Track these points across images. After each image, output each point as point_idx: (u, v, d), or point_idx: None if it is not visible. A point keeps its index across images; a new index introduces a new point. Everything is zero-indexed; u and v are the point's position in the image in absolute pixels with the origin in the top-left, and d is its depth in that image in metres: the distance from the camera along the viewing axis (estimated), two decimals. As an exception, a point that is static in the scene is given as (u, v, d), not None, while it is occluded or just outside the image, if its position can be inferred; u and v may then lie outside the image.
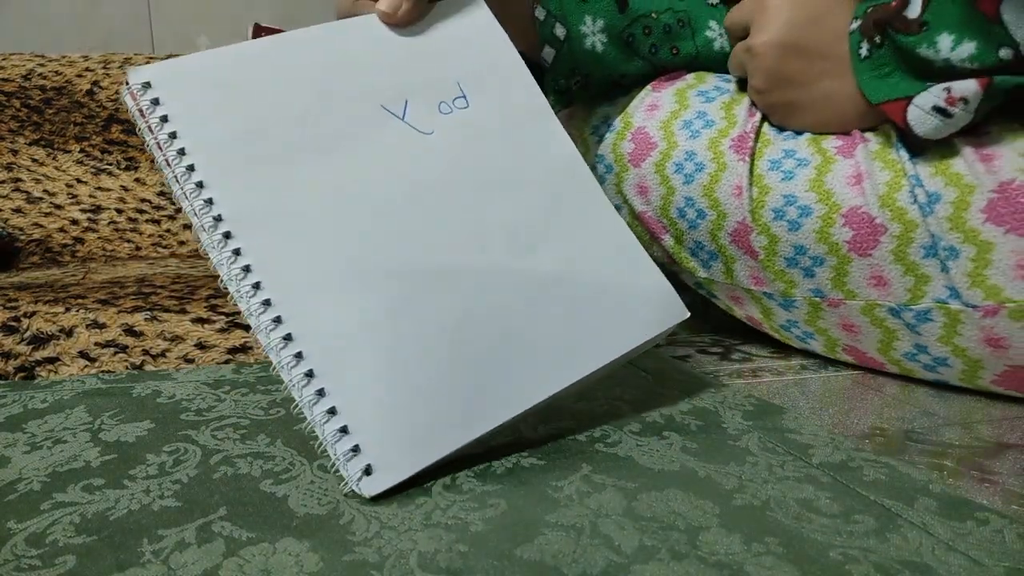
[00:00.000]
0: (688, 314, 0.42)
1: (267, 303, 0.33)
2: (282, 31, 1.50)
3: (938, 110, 0.43)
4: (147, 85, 0.35)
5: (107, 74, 1.38)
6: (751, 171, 0.51)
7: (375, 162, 0.38)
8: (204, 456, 0.35)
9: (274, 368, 0.33)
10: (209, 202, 0.34)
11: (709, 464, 0.35)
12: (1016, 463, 0.36)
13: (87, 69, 1.38)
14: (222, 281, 0.34)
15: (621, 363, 0.40)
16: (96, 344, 0.52)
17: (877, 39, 0.46)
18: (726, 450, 0.36)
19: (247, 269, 0.33)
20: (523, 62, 0.45)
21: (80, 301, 0.57)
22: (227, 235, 0.34)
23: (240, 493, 0.31)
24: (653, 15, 0.58)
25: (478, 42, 0.44)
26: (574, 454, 0.36)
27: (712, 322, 0.66)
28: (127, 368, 0.51)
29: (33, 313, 0.54)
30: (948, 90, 0.43)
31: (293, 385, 0.32)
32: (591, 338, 0.38)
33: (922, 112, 0.44)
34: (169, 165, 0.34)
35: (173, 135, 0.35)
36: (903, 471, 0.34)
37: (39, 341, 0.51)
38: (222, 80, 0.37)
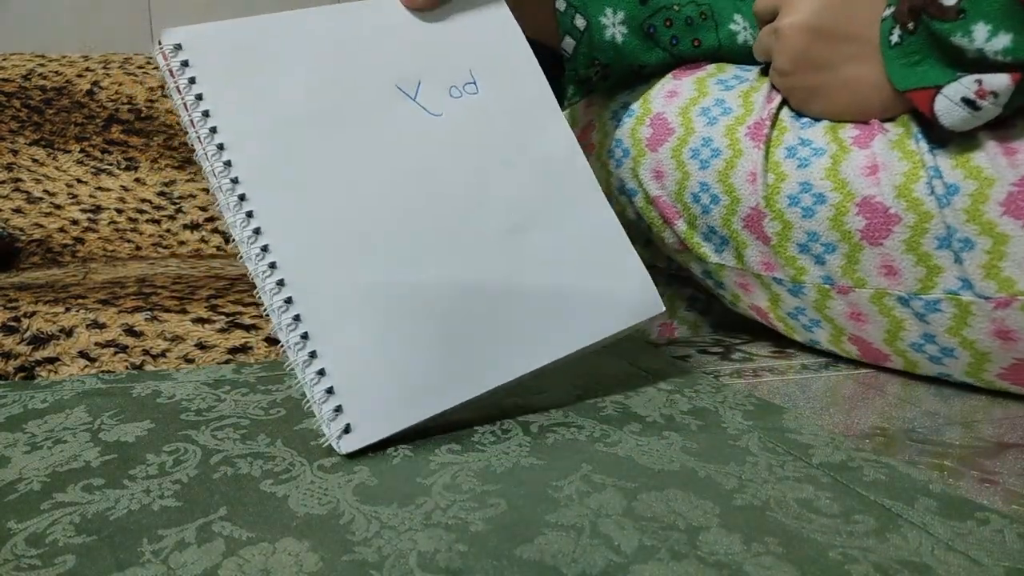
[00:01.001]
0: (664, 309, 0.43)
1: (273, 266, 0.35)
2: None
3: (967, 102, 0.43)
4: (178, 47, 0.37)
5: (107, 74, 1.38)
6: (766, 157, 0.52)
7: (384, 138, 0.40)
8: (204, 456, 0.35)
9: (274, 330, 0.35)
10: (228, 164, 0.36)
11: (709, 464, 0.35)
12: (1016, 463, 0.36)
13: (87, 69, 1.38)
14: (233, 241, 0.36)
15: (595, 349, 0.42)
16: (96, 344, 0.52)
17: (910, 26, 0.45)
18: (726, 450, 0.36)
19: (257, 232, 0.35)
20: (535, 58, 0.46)
21: (80, 301, 0.57)
22: (242, 197, 0.35)
23: (240, 493, 0.31)
24: (675, 7, 0.59)
25: (493, 34, 0.46)
26: (574, 454, 0.36)
27: (714, 317, 0.66)
28: (127, 368, 0.51)
29: (33, 313, 0.54)
30: (979, 82, 0.43)
31: (289, 346, 0.35)
32: (569, 323, 0.40)
33: (950, 103, 0.44)
34: (194, 126, 0.36)
35: (200, 97, 0.36)
36: (903, 471, 0.34)
37: (39, 341, 0.51)
38: (250, 48, 0.38)
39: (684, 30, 0.59)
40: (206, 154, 0.36)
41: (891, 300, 0.48)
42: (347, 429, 0.35)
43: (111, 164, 1.30)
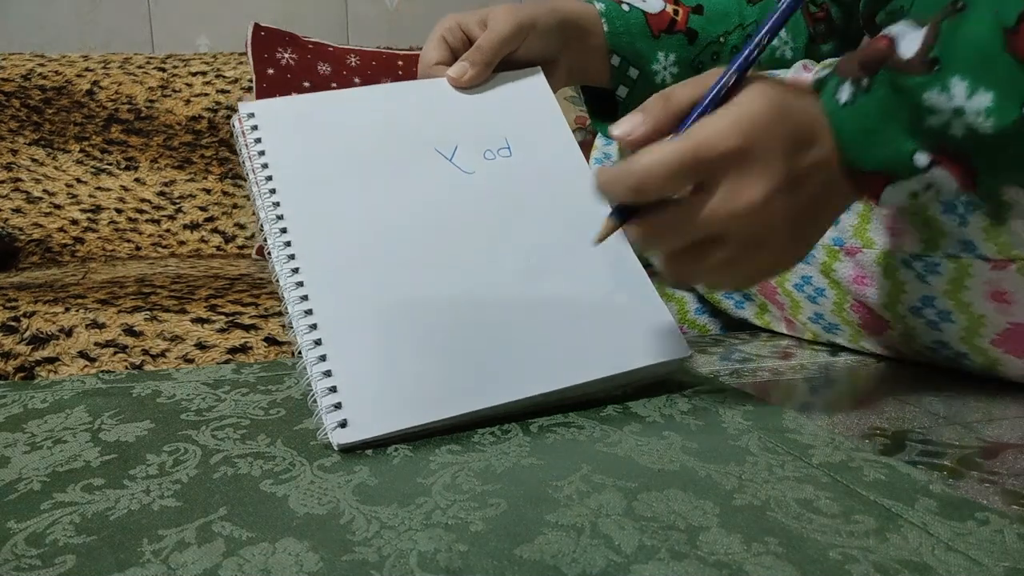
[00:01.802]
0: (690, 352, 0.44)
1: (300, 284, 0.40)
2: (281, 31, 1.49)
3: (913, 194, 0.37)
4: (251, 115, 0.45)
5: (107, 74, 1.38)
6: None
7: (416, 189, 0.45)
8: (204, 456, 0.35)
9: (290, 327, 0.40)
10: (276, 204, 0.43)
11: (709, 464, 0.35)
12: (1016, 463, 0.36)
13: (87, 69, 1.38)
14: (271, 260, 0.42)
15: (616, 385, 0.43)
16: (96, 344, 0.52)
17: (864, 82, 0.36)
18: (726, 450, 0.36)
19: (292, 257, 0.41)
20: (567, 124, 0.50)
21: (80, 301, 0.57)
22: (283, 230, 0.42)
23: (240, 493, 0.31)
24: (721, 39, 0.62)
25: (529, 104, 0.51)
26: (574, 454, 0.36)
27: (721, 320, 0.66)
28: (127, 368, 0.51)
29: (33, 313, 0.54)
30: (930, 186, 0.37)
31: (303, 348, 0.39)
32: (582, 355, 0.42)
33: (898, 193, 0.37)
34: (254, 173, 0.44)
35: (262, 152, 0.44)
36: (903, 471, 0.34)
37: (39, 341, 0.51)
38: (308, 115, 0.46)
39: (730, 58, 0.62)
40: (259, 193, 0.43)
41: (895, 261, 0.49)
42: (343, 424, 0.37)
43: (111, 164, 1.30)
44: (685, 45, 0.61)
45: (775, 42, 0.65)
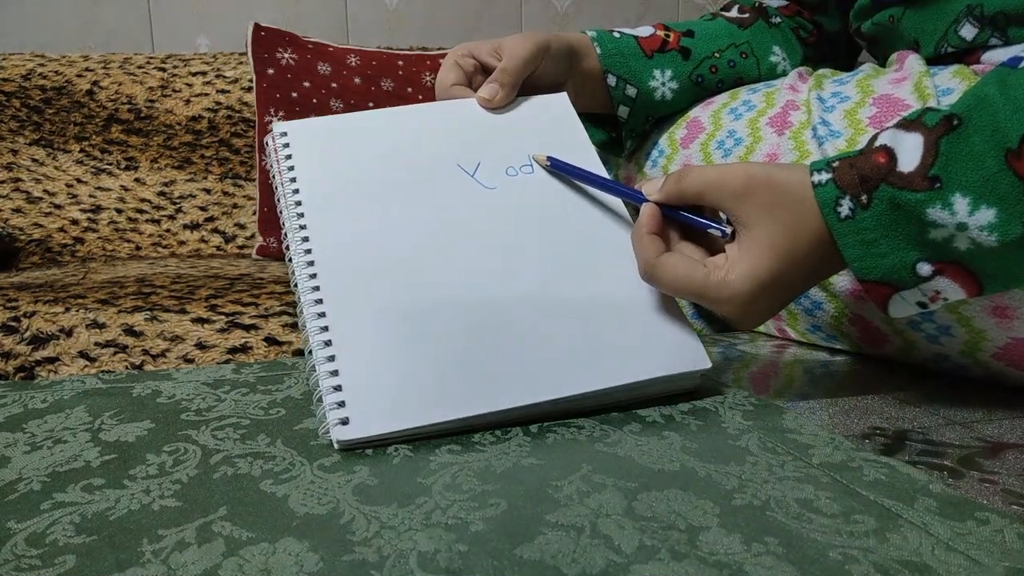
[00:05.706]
0: (710, 364, 0.43)
1: (316, 288, 0.42)
2: (281, 31, 1.49)
3: (920, 304, 0.39)
4: (284, 134, 0.48)
5: (107, 74, 1.38)
6: (792, 139, 0.54)
7: (437, 203, 0.46)
8: (204, 456, 0.35)
9: (303, 327, 0.41)
10: (300, 215, 0.45)
11: (709, 464, 0.35)
12: (1016, 463, 0.36)
13: (87, 69, 1.38)
14: (290, 264, 0.44)
15: (631, 396, 0.42)
16: (96, 344, 0.52)
17: (864, 198, 0.37)
18: (726, 450, 0.36)
19: (311, 263, 0.43)
20: (591, 143, 0.52)
21: (80, 301, 0.57)
22: (305, 239, 0.43)
23: (240, 493, 0.31)
24: (716, 54, 0.64)
25: (555, 127, 0.52)
26: (574, 454, 0.36)
27: (719, 324, 0.66)
28: (127, 368, 0.51)
29: (33, 313, 0.54)
30: (937, 292, 0.38)
31: (313, 346, 0.40)
32: (594, 363, 0.41)
33: (905, 303, 0.40)
34: (282, 185, 0.46)
35: (291, 168, 0.47)
36: (903, 471, 0.34)
37: (39, 341, 0.51)
38: (336, 135, 0.49)
39: (728, 72, 0.65)
40: (286, 203, 0.45)
41: None
42: (345, 421, 0.37)
43: (111, 164, 1.30)
44: (680, 61, 0.63)
45: (774, 58, 0.66)
